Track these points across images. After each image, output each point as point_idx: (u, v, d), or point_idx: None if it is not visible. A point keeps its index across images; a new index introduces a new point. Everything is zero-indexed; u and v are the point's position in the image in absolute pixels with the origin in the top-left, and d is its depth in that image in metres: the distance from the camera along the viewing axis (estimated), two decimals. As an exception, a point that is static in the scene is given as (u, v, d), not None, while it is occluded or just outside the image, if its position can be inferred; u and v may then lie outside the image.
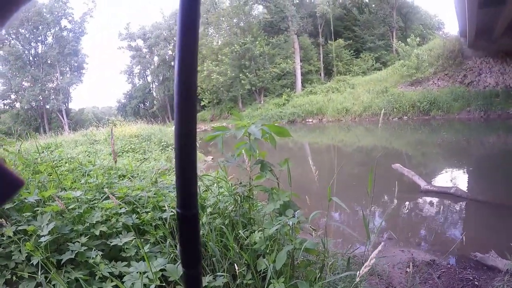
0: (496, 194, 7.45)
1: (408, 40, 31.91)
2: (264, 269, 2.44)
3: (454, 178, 9.60)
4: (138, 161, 7.73)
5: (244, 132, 2.66)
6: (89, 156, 7.81)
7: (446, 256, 4.79)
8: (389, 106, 26.56)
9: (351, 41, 41.91)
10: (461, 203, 7.19)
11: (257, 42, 37.39)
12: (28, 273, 2.21)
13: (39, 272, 2.14)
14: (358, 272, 1.84)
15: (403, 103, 26.33)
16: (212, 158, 13.06)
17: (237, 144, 2.83)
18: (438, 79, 28.21)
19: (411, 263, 4.39)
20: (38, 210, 2.61)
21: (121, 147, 12.41)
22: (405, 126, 22.82)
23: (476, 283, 4.02)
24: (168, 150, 12.62)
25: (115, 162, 3.11)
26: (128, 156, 10.62)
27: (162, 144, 13.35)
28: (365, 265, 1.74)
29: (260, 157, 2.91)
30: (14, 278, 2.19)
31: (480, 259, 4.49)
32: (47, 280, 2.16)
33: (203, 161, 12.36)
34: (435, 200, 7.58)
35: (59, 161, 5.81)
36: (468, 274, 4.25)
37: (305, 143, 20.33)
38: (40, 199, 2.77)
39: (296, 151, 17.12)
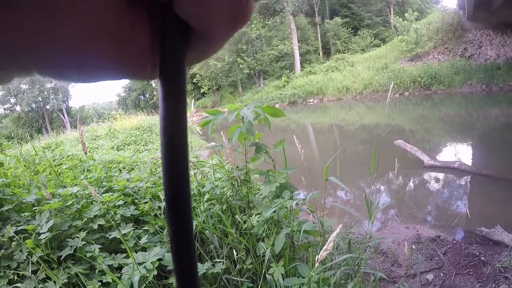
0: (500, 167, 7.39)
1: (406, 15, 31.55)
2: (263, 253, 2.42)
3: (458, 153, 9.56)
4: (139, 152, 7.72)
5: (237, 115, 2.62)
6: (90, 152, 7.81)
7: (450, 231, 4.77)
8: (389, 83, 26.41)
9: (348, 18, 41.47)
10: (465, 177, 7.15)
11: (253, 25, 37.05)
12: (31, 271, 2.21)
13: (40, 269, 2.14)
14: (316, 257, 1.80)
15: (404, 79, 26.14)
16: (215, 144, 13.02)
17: (231, 127, 2.78)
18: (438, 53, 27.96)
19: (409, 243, 4.38)
20: (36, 209, 2.60)
21: (123, 140, 12.41)
22: (407, 102, 22.70)
23: (482, 258, 4.01)
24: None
25: (85, 153, 3.08)
26: (130, 149, 10.62)
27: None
28: (323, 248, 1.70)
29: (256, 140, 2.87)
30: (16, 277, 2.19)
31: (486, 234, 4.46)
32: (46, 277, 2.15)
33: (205, 148, 12.34)
34: (439, 175, 7.54)
35: (60, 159, 5.81)
36: (474, 249, 4.23)
37: (307, 123, 20.27)
38: (39, 198, 2.76)
39: (299, 133, 17.08)
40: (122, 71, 0.22)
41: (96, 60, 0.21)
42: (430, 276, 3.79)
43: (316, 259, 1.78)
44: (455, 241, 4.53)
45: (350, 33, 40.56)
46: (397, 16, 34.31)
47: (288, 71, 37.37)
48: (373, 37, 39.29)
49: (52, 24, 0.19)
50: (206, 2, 0.22)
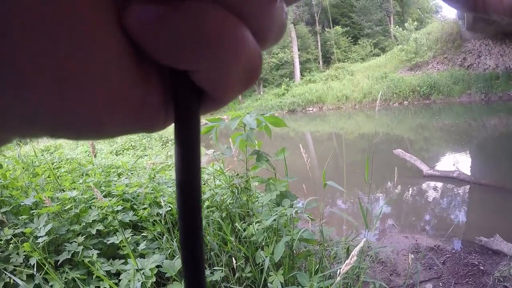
0: (499, 177, 7.39)
1: (406, 24, 31.71)
2: (262, 261, 2.41)
3: (457, 162, 9.55)
4: (138, 158, 7.71)
5: (239, 123, 2.62)
6: (89, 156, 7.80)
7: (449, 240, 4.76)
8: (389, 92, 26.46)
9: (349, 27, 41.68)
10: (464, 187, 7.14)
11: (254, 33, 37.12)
12: (26, 274, 2.20)
13: (36, 272, 2.12)
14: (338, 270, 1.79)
15: (403, 88, 26.22)
16: (214, 152, 13.02)
17: (233, 135, 2.78)
18: (438, 63, 28.07)
19: (408, 252, 4.37)
20: (34, 212, 2.59)
21: (121, 145, 12.37)
22: (406, 111, 22.74)
23: (482, 268, 3.99)
24: (168, 145, 12.59)
25: (94, 156, 3.08)
26: (129, 154, 10.60)
27: (162, 139, 13.31)
28: (345, 263, 1.69)
29: (256, 147, 2.87)
30: (12, 281, 2.17)
31: (485, 244, 4.45)
32: (44, 281, 2.13)
33: (204, 155, 12.32)
34: (438, 184, 7.53)
35: (59, 162, 5.79)
36: (473, 258, 4.22)
37: (306, 132, 20.29)
38: (37, 201, 2.75)
39: (298, 141, 17.08)
40: (138, 128, 0.23)
41: (114, 124, 0.22)
42: (429, 286, 3.77)
43: (337, 272, 1.78)
44: (454, 251, 4.52)
45: (350, 42, 40.75)
46: (397, 26, 34.50)
47: (288, 79, 37.46)
48: (373, 46, 39.48)
49: (69, 102, 0.19)
50: (225, 74, 0.23)
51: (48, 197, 2.69)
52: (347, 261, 1.71)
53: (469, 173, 7.66)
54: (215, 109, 0.27)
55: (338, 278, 1.80)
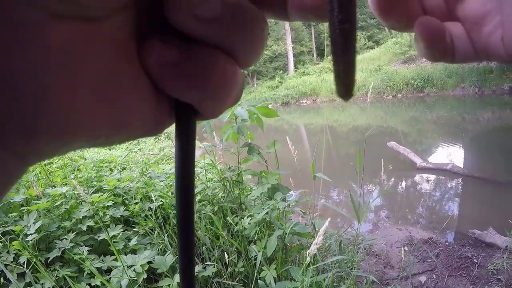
0: (492, 170, 7.42)
1: (400, 17, 31.70)
2: (255, 256, 2.39)
3: (450, 155, 9.57)
4: (131, 152, 7.66)
5: (231, 115, 2.59)
6: (81, 151, 7.73)
7: (443, 233, 4.77)
8: (382, 85, 26.47)
9: (343, 20, 41.59)
10: (457, 179, 7.15)
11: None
12: (17, 273, 2.17)
13: (26, 269, 2.09)
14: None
15: (397, 81, 26.23)
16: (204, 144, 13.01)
17: (224, 127, 2.76)
18: (431, 56, 28.14)
19: (401, 245, 4.38)
20: (24, 209, 2.56)
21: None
22: (400, 104, 22.77)
23: (475, 260, 4.00)
24: (161, 138, 12.56)
25: None
26: (122, 148, 10.55)
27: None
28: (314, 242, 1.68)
29: (249, 140, 2.85)
30: (2, 280, 2.15)
31: (479, 236, 4.46)
32: (35, 279, 2.10)
33: (198, 148, 12.29)
34: (431, 177, 7.54)
35: (51, 158, 5.73)
36: (467, 251, 4.23)
37: (300, 124, 20.27)
38: (27, 198, 2.72)
39: (292, 133, 17.07)
40: (151, 134, 0.27)
41: (135, 135, 0.26)
42: (422, 278, 3.78)
43: (307, 253, 1.77)
44: (447, 243, 4.53)
45: (344, 34, 40.69)
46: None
47: (281, 71, 37.40)
48: (367, 39, 39.44)
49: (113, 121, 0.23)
50: (219, 106, 0.27)
51: (40, 191, 2.67)
52: (315, 241, 1.73)
53: (462, 166, 7.67)
54: (208, 119, 0.31)
55: (308, 259, 1.81)
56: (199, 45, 0.24)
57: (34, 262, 2.07)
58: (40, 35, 0.19)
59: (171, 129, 0.29)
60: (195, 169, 0.31)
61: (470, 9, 0.34)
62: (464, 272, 3.85)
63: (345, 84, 0.26)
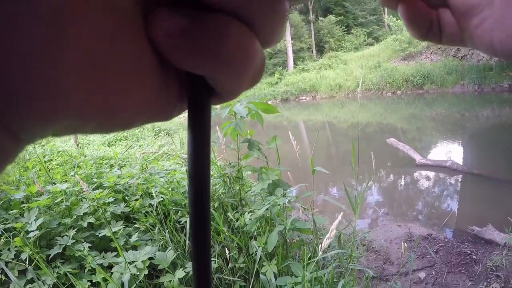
0: (491, 167, 7.45)
1: (400, 14, 31.64)
2: (256, 251, 2.40)
3: (450, 152, 9.59)
4: (129, 147, 7.66)
5: (230, 111, 2.59)
6: (80, 148, 7.73)
7: (442, 230, 4.79)
8: (382, 81, 26.46)
9: (342, 16, 41.51)
10: (456, 176, 7.17)
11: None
12: (18, 270, 2.18)
13: (30, 267, 2.10)
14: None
15: (396, 77, 26.21)
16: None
17: (223, 124, 2.76)
18: (431, 53, 28.05)
19: (401, 241, 4.39)
20: (25, 207, 2.56)
21: (114, 136, 12.31)
22: (399, 100, 22.78)
23: (474, 257, 4.02)
24: (160, 135, 12.54)
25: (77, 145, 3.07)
26: (121, 145, 10.55)
27: (155, 129, 13.25)
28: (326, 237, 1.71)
29: (248, 136, 2.85)
30: (3, 277, 2.15)
31: (478, 233, 4.48)
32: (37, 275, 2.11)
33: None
34: (431, 174, 7.56)
35: (51, 155, 5.74)
36: (466, 248, 4.25)
37: (299, 121, 20.26)
38: (28, 195, 2.73)
39: (291, 130, 17.06)
40: (158, 119, 0.26)
41: (141, 119, 0.24)
42: (422, 274, 3.80)
43: (319, 247, 1.79)
44: (446, 240, 4.54)
45: (344, 31, 40.61)
46: (391, 15, 34.37)
47: (281, 68, 37.33)
48: (366, 36, 39.38)
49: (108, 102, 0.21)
50: (236, 82, 0.25)
51: (42, 187, 2.67)
52: (327, 235, 1.74)
53: (461, 163, 7.68)
54: (223, 102, 0.29)
55: (320, 253, 1.83)
56: (213, 13, 0.22)
57: (36, 259, 2.08)
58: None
59: (169, 124, 0.27)
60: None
61: (460, 0, 0.35)
62: (463, 268, 3.87)
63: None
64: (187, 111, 0.27)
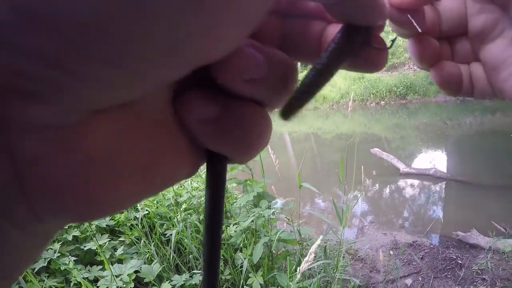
0: (474, 173, 7.53)
1: (382, 25, 32.04)
2: (241, 263, 2.41)
3: (433, 160, 9.67)
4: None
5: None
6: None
7: (427, 236, 4.83)
8: (366, 92, 26.69)
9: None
10: (440, 183, 7.24)
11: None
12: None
13: (20, 278, 2.07)
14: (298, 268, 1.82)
15: (380, 88, 26.42)
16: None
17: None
18: (414, 64, 27.58)
19: (387, 249, 4.42)
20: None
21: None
22: (383, 111, 22.96)
23: (460, 261, 4.06)
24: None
25: None
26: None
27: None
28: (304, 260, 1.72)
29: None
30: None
31: (462, 238, 4.53)
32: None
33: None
34: (415, 182, 7.62)
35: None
36: (451, 253, 4.29)
37: (284, 132, 20.31)
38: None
39: (276, 141, 17.09)
40: (187, 177, 0.27)
41: (173, 183, 0.26)
42: (408, 281, 3.82)
43: (298, 270, 1.79)
44: (432, 246, 4.58)
45: (327, 43, 41.04)
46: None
47: (265, 81, 37.52)
48: (349, 47, 39.82)
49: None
50: (251, 156, 0.27)
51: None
52: (306, 258, 1.75)
53: (445, 171, 7.76)
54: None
55: (298, 276, 1.83)
56: (238, 99, 0.24)
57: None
58: (77, 141, 0.18)
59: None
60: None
61: (490, 54, 0.37)
62: (449, 273, 3.90)
63: (294, 107, 0.28)
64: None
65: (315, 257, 3.22)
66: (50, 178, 0.18)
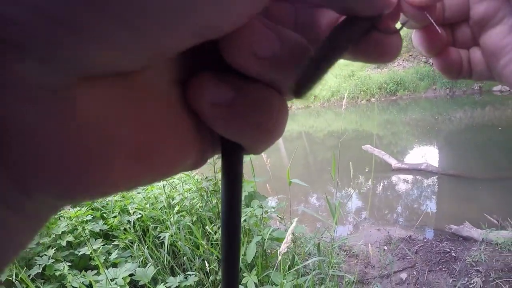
0: (465, 167, 7.60)
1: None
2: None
3: (425, 155, 9.73)
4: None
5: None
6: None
7: (421, 230, 4.86)
8: (356, 89, 26.75)
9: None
10: (432, 178, 7.28)
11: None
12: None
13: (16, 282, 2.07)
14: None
15: (370, 85, 26.48)
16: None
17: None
18: (403, 60, 28.49)
19: (381, 244, 4.44)
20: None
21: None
22: (373, 107, 23.04)
23: (453, 254, 4.09)
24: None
25: None
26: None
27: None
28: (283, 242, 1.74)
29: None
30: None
31: (455, 231, 4.56)
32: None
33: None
34: (407, 177, 7.66)
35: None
36: (445, 246, 4.32)
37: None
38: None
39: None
40: (195, 167, 0.26)
41: (180, 170, 0.25)
42: (403, 275, 3.84)
43: (278, 252, 1.81)
44: (425, 240, 4.61)
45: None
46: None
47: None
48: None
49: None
50: (266, 146, 0.26)
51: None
52: (284, 240, 1.77)
53: (437, 165, 7.81)
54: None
55: (279, 257, 1.86)
56: (252, 82, 0.23)
57: (20, 278, 2.06)
58: (68, 104, 0.17)
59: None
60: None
61: (490, 41, 0.39)
62: (443, 266, 3.93)
63: (306, 85, 0.27)
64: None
65: (309, 254, 3.25)
66: (40, 147, 0.16)
